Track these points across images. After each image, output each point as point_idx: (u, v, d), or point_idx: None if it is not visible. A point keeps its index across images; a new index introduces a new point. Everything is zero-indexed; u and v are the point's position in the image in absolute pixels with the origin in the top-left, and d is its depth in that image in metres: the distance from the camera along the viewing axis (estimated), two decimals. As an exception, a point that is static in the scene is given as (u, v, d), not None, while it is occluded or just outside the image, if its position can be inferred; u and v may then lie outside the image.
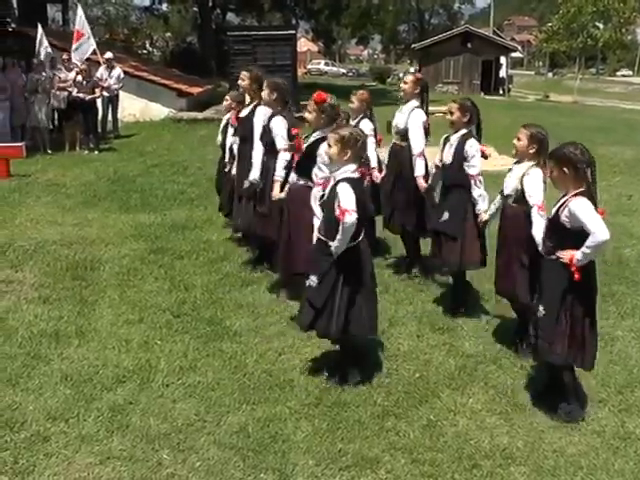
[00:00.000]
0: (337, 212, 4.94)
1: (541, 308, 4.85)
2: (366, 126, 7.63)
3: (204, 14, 43.59)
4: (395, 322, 6.50)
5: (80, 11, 18.91)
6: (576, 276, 4.63)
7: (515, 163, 5.85)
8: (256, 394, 5.11)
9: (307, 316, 5.20)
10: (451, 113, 6.60)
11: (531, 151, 5.61)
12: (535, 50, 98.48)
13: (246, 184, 7.17)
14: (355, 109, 8.00)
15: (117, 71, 18.67)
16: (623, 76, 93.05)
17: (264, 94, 7.02)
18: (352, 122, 7.73)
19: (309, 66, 77.34)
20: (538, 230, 5.28)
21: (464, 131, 6.60)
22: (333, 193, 5.04)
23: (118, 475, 4.19)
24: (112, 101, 18.27)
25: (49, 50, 17.06)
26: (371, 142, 7.49)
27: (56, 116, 16.94)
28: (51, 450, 4.39)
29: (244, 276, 7.60)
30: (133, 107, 21.23)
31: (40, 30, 17.02)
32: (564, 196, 4.78)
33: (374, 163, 7.74)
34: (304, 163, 6.18)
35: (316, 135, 6.07)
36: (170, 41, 53.25)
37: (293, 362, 5.60)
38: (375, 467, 4.32)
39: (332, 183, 5.12)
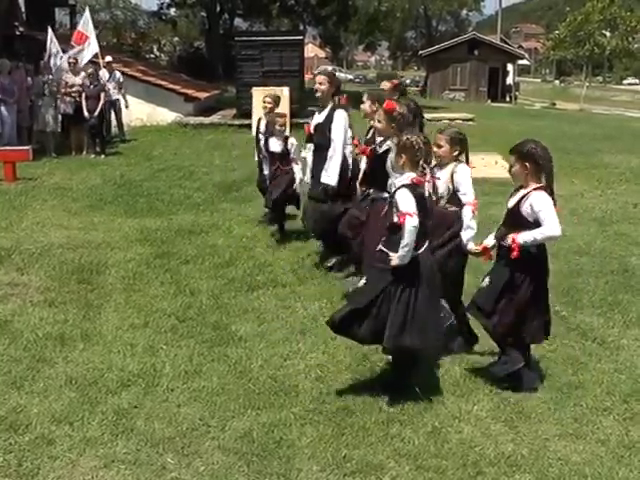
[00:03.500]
0: (396, 219, 4.88)
1: (487, 280, 5.25)
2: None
3: (212, 19, 43.78)
4: (400, 328, 6.48)
5: (87, 13, 18.93)
6: (514, 253, 4.97)
7: (437, 167, 5.76)
8: (261, 399, 5.10)
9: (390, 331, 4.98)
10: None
11: (455, 153, 5.76)
12: (542, 58, 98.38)
13: (322, 185, 7.39)
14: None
15: (117, 75, 18.69)
16: (630, 84, 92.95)
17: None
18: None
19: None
20: (468, 231, 5.67)
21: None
22: (392, 201, 5.00)
23: (122, 479, 4.19)
24: (113, 105, 18.28)
25: (61, 54, 17.11)
26: None
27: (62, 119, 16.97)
28: (55, 453, 4.39)
29: (250, 281, 7.61)
30: (140, 111, 21.28)
31: (50, 33, 17.07)
32: (519, 189, 5.11)
33: None
34: (378, 174, 6.19)
35: (387, 145, 6.07)
36: (178, 46, 53.46)
37: (298, 367, 5.60)
38: (380, 473, 4.31)
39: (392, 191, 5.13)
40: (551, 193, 5.01)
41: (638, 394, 5.39)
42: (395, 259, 4.86)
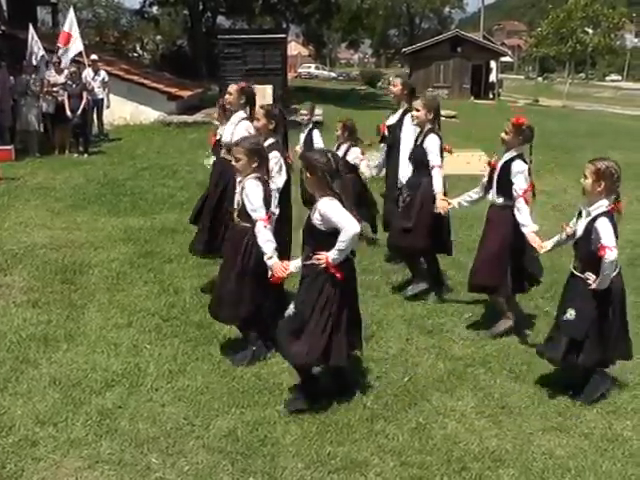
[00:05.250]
0: (594, 248, 5.00)
1: (291, 307, 4.95)
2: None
3: (194, 17, 43.56)
4: (384, 325, 6.52)
5: (71, 12, 18.82)
6: (337, 275, 4.76)
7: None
8: (245, 398, 5.10)
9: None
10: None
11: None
12: (525, 55, 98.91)
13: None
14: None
15: (102, 74, 18.58)
16: (612, 81, 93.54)
17: (421, 114, 7.02)
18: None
19: (299, 70, 77.29)
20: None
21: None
22: (590, 228, 5.06)
23: (106, 479, 4.18)
24: (97, 104, 18.18)
25: (43, 53, 16.99)
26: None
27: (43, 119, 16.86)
28: (39, 454, 4.38)
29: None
30: (123, 110, 21.16)
31: (31, 31, 16.94)
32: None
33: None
34: (502, 182, 6.20)
35: (509, 155, 6.18)
36: (160, 44, 53.12)
37: (282, 366, 5.58)
38: (364, 470, 4.32)
39: (586, 219, 5.15)
40: (339, 196, 4.79)
41: (621, 388, 5.44)
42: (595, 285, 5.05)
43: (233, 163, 5.56)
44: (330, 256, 4.71)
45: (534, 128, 6.25)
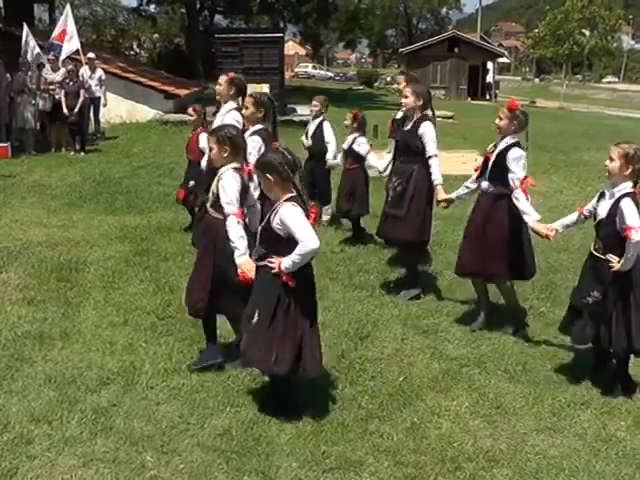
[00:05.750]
0: (619, 228, 5.01)
1: (256, 314, 4.70)
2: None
3: (192, 16, 43.57)
4: (379, 325, 6.52)
5: (68, 9, 18.76)
6: (290, 284, 4.56)
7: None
8: (240, 396, 5.10)
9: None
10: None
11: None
12: (522, 56, 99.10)
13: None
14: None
15: (99, 72, 18.54)
16: (609, 83, 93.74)
17: (410, 100, 7.03)
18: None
19: (297, 69, 77.35)
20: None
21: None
22: (614, 209, 5.08)
23: (101, 477, 4.17)
24: (94, 102, 18.14)
25: (37, 51, 16.96)
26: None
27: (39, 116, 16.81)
28: (34, 452, 4.37)
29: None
30: (120, 108, 21.13)
31: (26, 29, 16.92)
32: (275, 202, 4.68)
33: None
34: (497, 170, 6.14)
35: (506, 141, 6.13)
36: (158, 42, 53.06)
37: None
38: (359, 469, 4.33)
39: (609, 200, 5.17)
40: (303, 203, 4.63)
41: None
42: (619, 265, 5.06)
43: (207, 152, 5.48)
44: (283, 263, 4.53)
45: (528, 114, 6.23)
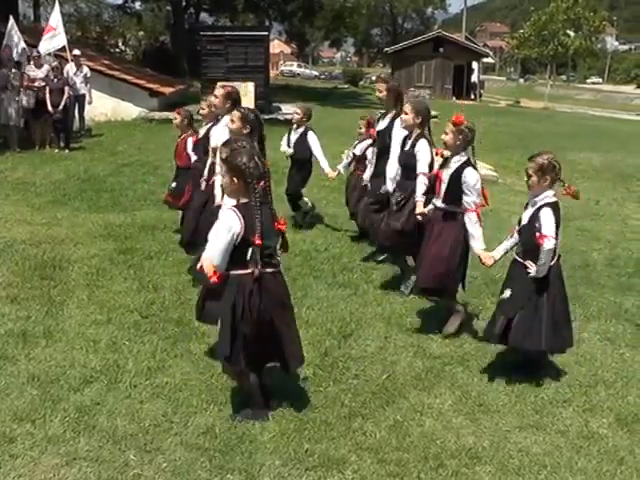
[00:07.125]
0: (537, 236, 5.21)
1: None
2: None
3: (177, 13, 43.43)
4: (363, 323, 6.54)
5: (57, 6, 18.65)
6: (214, 279, 4.44)
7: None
8: (223, 395, 5.10)
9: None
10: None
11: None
12: (507, 56, 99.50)
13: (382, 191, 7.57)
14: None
15: (84, 70, 18.45)
16: (593, 83, 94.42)
17: (409, 118, 7.02)
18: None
19: (282, 68, 77.31)
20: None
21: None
22: (534, 217, 5.28)
23: (84, 476, 4.16)
24: (78, 100, 18.06)
25: (24, 46, 16.85)
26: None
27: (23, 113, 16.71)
28: (17, 451, 4.35)
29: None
30: (104, 106, 21.05)
31: (12, 21, 16.78)
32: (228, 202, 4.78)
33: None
34: (450, 191, 6.14)
35: (457, 160, 6.12)
36: (143, 40, 52.83)
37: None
38: (341, 467, 4.34)
39: (532, 208, 5.37)
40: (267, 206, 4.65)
41: (597, 386, 5.50)
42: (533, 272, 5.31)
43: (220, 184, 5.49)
44: (202, 257, 4.51)
45: (474, 128, 6.19)
